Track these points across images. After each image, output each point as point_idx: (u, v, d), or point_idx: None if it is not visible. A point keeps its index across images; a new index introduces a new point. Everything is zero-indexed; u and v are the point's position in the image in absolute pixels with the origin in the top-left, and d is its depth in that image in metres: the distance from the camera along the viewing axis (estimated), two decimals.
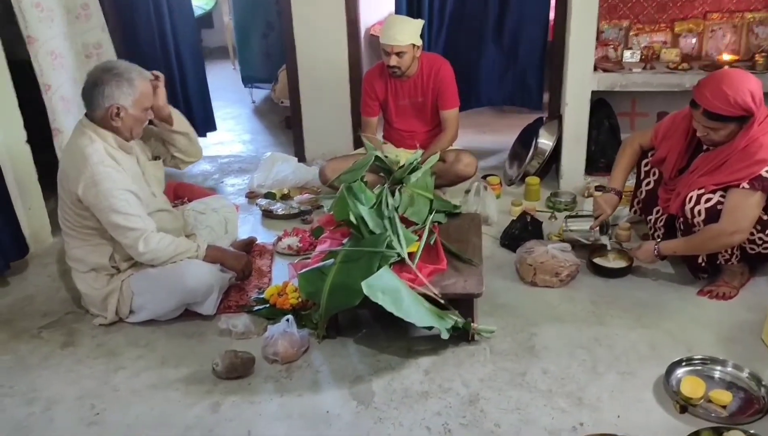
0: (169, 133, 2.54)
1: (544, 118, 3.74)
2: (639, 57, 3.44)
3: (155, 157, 2.58)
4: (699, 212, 2.32)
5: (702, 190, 2.32)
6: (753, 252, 2.41)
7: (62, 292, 2.68)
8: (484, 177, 3.52)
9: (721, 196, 2.29)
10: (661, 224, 2.64)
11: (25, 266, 2.90)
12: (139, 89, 2.27)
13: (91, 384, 2.14)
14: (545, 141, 3.54)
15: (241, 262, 2.56)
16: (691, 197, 2.34)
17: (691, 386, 1.95)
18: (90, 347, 2.33)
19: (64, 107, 3.01)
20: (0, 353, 2.32)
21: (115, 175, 2.24)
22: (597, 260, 2.69)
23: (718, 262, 2.45)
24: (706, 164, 2.37)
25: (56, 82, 2.96)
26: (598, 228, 2.72)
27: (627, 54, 3.47)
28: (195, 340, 2.34)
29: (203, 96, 4.17)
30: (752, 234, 2.33)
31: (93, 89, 2.25)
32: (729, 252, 2.42)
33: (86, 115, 2.32)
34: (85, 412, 2.01)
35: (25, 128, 2.91)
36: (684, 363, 2.09)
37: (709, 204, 2.30)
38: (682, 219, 2.41)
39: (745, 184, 2.23)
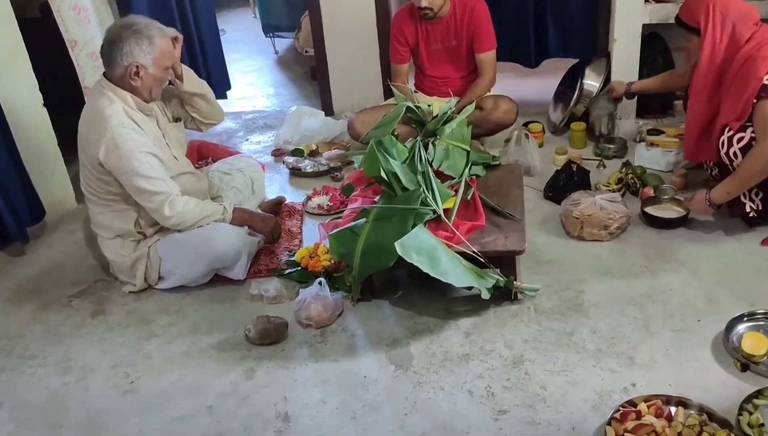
0: (186, 94, 2.56)
1: (591, 57, 3.63)
2: None
3: (176, 119, 2.60)
4: (735, 154, 2.34)
5: (731, 132, 2.34)
6: None
7: (90, 259, 2.76)
8: (525, 124, 3.46)
9: (752, 131, 2.30)
10: (716, 170, 2.60)
11: (50, 232, 2.99)
12: (159, 47, 2.27)
13: (124, 352, 2.21)
14: (592, 82, 3.45)
15: (270, 224, 2.59)
16: (723, 142, 2.37)
17: (754, 343, 1.92)
18: (121, 314, 2.40)
19: (96, 63, 2.99)
20: (31, 322, 2.41)
21: (136, 137, 2.27)
22: (649, 210, 2.64)
23: None
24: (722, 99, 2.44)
25: (83, 37, 2.93)
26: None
27: None
28: (226, 306, 2.39)
29: (217, 53, 4.11)
30: None
31: (111, 47, 2.26)
32: None
33: (104, 74, 2.34)
34: (120, 380, 2.09)
35: (43, 91, 2.94)
36: (746, 318, 2.05)
37: (742, 143, 2.33)
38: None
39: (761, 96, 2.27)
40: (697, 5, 2.46)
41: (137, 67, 2.26)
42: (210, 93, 2.64)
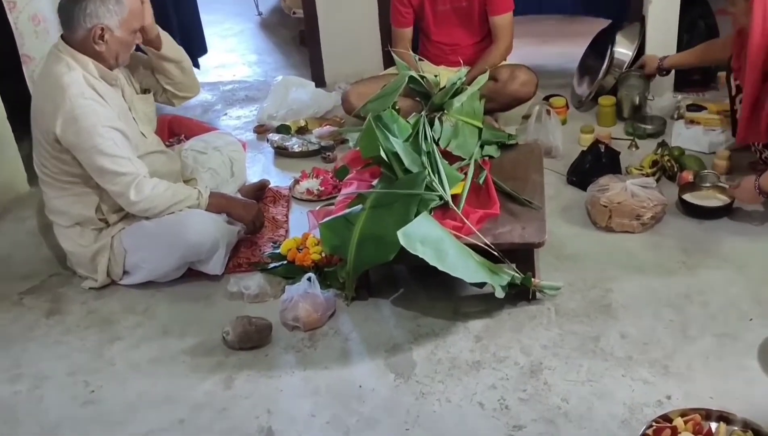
0: (158, 60, 2.55)
1: (622, 22, 3.61)
2: None
3: (144, 91, 2.59)
4: None
5: None
6: None
7: (44, 250, 2.75)
8: (547, 98, 3.46)
9: None
10: (767, 153, 2.60)
11: None
12: (127, 7, 2.26)
13: (83, 358, 2.21)
14: (623, 50, 3.44)
15: (252, 211, 2.58)
16: None
17: None
18: (80, 314, 2.40)
19: (38, 27, 2.99)
20: None
21: (99, 109, 2.26)
22: (688, 198, 2.64)
23: None
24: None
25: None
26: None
27: None
28: (201, 305, 2.40)
29: (191, 13, 4.10)
30: None
31: (72, 6, 2.24)
32: None
33: (62, 37, 2.32)
34: (79, 390, 2.09)
35: None
36: None
37: None
38: None
39: None
40: None
41: (102, 29, 2.25)
42: (187, 60, 2.63)
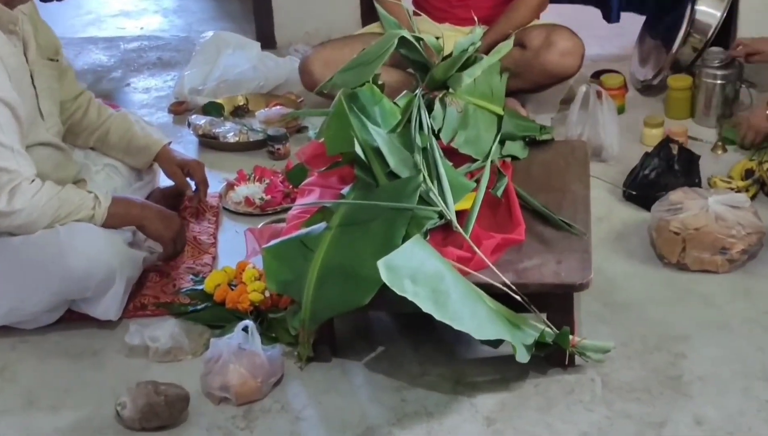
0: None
1: None
2: None
3: (50, 60, 2.60)
4: None
5: None
6: None
7: None
8: (596, 75, 3.51)
9: None
10: None
11: None
12: None
13: None
14: (708, 8, 3.49)
15: (173, 226, 2.62)
16: None
17: None
18: None
19: None
20: None
21: None
22: None
23: None
24: None
25: None
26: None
27: None
28: (86, 363, 2.39)
29: None
30: None
31: None
32: None
33: None
34: None
35: None
36: None
37: None
38: None
39: None
40: None
41: None
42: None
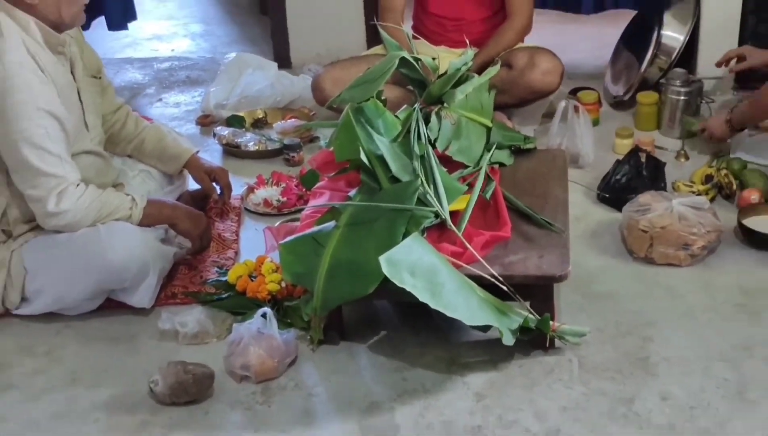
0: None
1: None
2: None
3: (93, 77, 2.61)
4: None
5: None
6: None
7: None
8: (574, 92, 3.51)
9: None
10: None
11: None
12: None
13: None
14: (672, 33, 3.51)
15: (201, 225, 2.62)
16: None
17: None
18: None
19: None
20: None
21: (37, 86, 2.28)
22: (750, 223, 2.68)
23: None
24: None
25: None
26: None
27: None
28: (123, 346, 2.39)
29: None
30: None
31: None
32: None
33: None
34: None
35: None
36: None
37: None
38: None
39: None
40: None
41: None
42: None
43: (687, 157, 3.18)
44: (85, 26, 3.95)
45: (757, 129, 3.12)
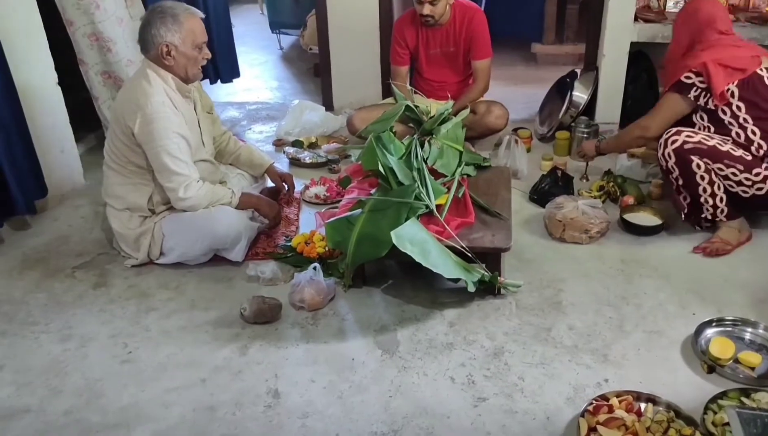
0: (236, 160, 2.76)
1: (580, 71, 3.63)
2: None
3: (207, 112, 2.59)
4: (669, 155, 2.38)
5: (669, 134, 2.39)
6: (746, 195, 2.35)
7: (95, 233, 2.71)
8: (515, 130, 3.45)
9: (687, 135, 2.35)
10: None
11: (57, 206, 2.94)
12: (185, 25, 2.25)
13: (123, 324, 2.18)
14: (580, 94, 3.46)
15: (274, 210, 2.60)
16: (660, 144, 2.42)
17: (720, 347, 1.92)
18: (122, 288, 2.37)
19: (93, 43, 3.07)
20: (35, 290, 2.37)
21: (172, 117, 2.27)
22: (628, 217, 2.64)
23: (702, 215, 2.44)
24: None
25: (80, 20, 3.01)
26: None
27: (670, 4, 3.32)
28: (224, 285, 2.37)
29: (228, 41, 4.13)
30: (735, 175, 2.32)
31: (144, 31, 2.27)
32: (712, 205, 2.39)
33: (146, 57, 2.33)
34: (118, 350, 2.06)
35: (56, 70, 2.89)
36: (714, 324, 2.05)
37: (675, 145, 2.37)
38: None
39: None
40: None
41: (167, 46, 2.25)
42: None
43: (587, 178, 3.07)
44: (212, 80, 3.97)
45: (633, 156, 3.04)
